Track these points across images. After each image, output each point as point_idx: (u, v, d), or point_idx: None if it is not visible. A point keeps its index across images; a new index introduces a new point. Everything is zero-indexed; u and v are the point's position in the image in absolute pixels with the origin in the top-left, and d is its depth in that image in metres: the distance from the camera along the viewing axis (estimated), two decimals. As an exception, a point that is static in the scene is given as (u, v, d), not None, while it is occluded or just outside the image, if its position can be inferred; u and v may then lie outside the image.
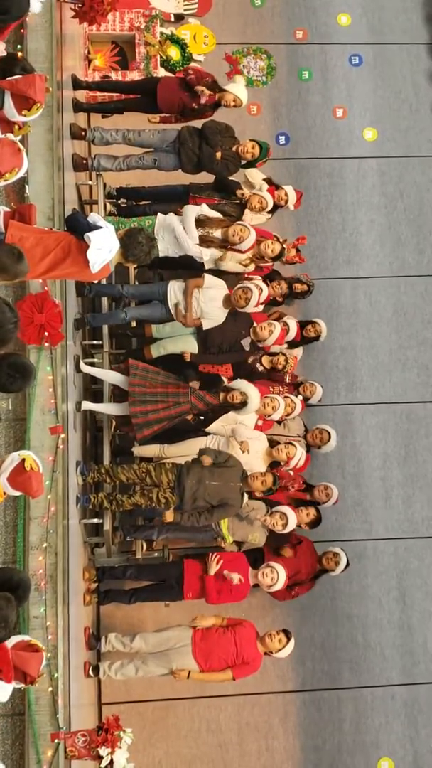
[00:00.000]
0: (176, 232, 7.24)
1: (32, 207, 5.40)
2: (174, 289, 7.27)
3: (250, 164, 7.96)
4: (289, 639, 6.69)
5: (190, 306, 7.16)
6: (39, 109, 4.96)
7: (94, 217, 5.48)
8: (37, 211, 5.47)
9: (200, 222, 7.31)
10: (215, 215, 7.41)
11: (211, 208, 7.46)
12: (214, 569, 6.87)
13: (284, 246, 7.77)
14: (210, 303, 7.22)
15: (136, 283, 8.01)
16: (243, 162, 7.86)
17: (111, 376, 7.26)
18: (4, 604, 4.16)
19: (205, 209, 7.37)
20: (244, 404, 6.97)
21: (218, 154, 7.63)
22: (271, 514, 7.10)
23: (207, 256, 7.37)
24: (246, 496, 6.90)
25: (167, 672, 6.75)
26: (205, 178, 8.02)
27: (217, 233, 7.29)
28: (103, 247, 5.35)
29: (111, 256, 5.47)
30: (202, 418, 7.20)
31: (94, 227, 5.35)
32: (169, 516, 6.65)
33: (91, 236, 5.28)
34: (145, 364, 7.17)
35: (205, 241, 7.31)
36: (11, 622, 4.14)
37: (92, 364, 7.42)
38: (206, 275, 7.33)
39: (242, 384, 7.11)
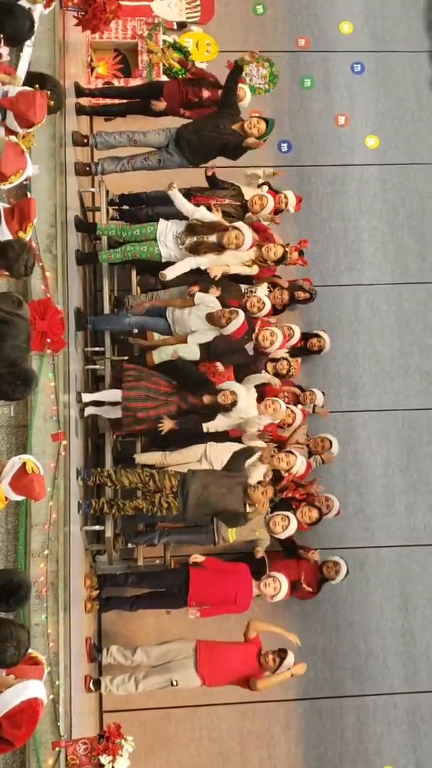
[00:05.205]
0: (176, 204, 7.25)
1: (31, 201, 5.34)
2: (172, 313, 7.25)
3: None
4: (283, 658, 6.68)
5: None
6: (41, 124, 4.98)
7: None
8: (36, 205, 5.38)
9: (193, 228, 7.25)
10: (212, 218, 7.33)
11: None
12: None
13: (286, 249, 7.76)
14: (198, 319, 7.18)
15: (138, 290, 8.01)
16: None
17: (112, 394, 7.25)
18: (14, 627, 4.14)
19: (202, 211, 7.31)
20: (234, 404, 6.95)
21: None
22: (274, 514, 7.15)
23: (204, 264, 7.33)
24: (248, 507, 6.88)
25: (168, 683, 6.75)
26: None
27: (213, 238, 7.24)
28: None
29: None
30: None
31: None
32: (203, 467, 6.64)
33: None
34: (138, 366, 7.17)
35: (199, 248, 7.25)
36: (23, 643, 4.11)
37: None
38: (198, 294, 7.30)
39: (231, 384, 7.10)
